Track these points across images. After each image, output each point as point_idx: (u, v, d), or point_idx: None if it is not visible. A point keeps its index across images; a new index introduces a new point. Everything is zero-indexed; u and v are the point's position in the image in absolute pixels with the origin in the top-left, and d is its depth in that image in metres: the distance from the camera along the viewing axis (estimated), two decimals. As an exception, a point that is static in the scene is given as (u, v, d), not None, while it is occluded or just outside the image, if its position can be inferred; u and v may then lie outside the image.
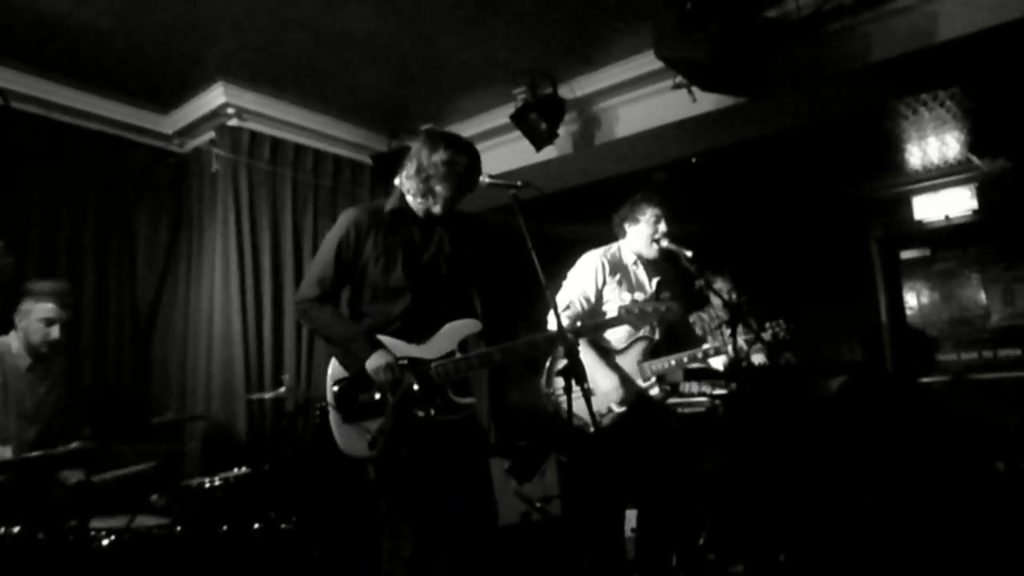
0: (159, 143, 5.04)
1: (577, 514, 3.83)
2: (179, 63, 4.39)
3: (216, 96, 4.69)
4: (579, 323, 3.35)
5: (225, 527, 3.32)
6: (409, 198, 2.81)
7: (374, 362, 2.59)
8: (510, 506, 4.59)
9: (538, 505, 4.60)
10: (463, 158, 2.76)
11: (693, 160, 5.16)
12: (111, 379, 4.54)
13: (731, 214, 6.68)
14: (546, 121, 4.57)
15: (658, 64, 4.03)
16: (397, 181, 2.86)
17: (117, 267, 4.69)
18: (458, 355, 2.69)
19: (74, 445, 3.04)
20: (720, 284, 4.58)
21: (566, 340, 2.56)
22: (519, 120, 4.65)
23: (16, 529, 2.77)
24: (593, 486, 3.39)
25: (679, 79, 4.15)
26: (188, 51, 4.26)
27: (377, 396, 2.63)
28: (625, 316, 3.02)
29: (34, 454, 3.01)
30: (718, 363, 3.88)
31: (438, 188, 2.75)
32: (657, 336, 3.49)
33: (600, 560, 3.34)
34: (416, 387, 2.62)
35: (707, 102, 4.21)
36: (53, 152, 4.44)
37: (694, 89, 4.12)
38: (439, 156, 2.74)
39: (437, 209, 2.79)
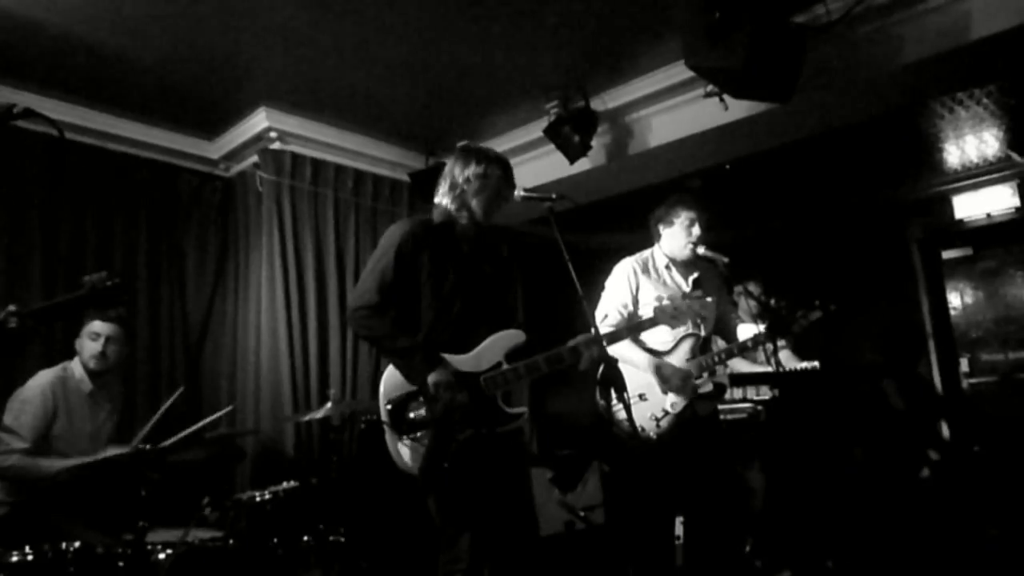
0: (206, 168, 5.22)
1: (623, 522, 3.84)
2: (223, 91, 4.56)
3: (259, 121, 4.84)
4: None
5: (276, 539, 3.40)
6: (450, 213, 2.86)
7: (435, 378, 2.57)
8: (553, 516, 4.61)
9: (582, 514, 4.62)
10: (495, 170, 2.82)
11: (727, 167, 5.16)
12: (164, 397, 4.68)
13: (767, 220, 6.65)
14: (579, 134, 4.62)
15: (689, 73, 4.06)
16: (436, 199, 2.91)
17: (168, 288, 4.86)
18: (505, 366, 2.70)
19: (131, 448, 3.17)
20: (754, 288, 4.57)
21: (601, 342, 2.61)
22: (552, 134, 4.71)
23: (76, 545, 2.87)
24: (642, 494, 3.41)
25: (710, 87, 4.17)
26: (232, 80, 4.42)
27: (431, 411, 2.62)
28: (660, 316, 3.04)
29: (93, 458, 3.17)
30: (743, 365, 3.88)
31: (473, 202, 2.82)
32: (703, 332, 3.51)
33: (648, 568, 3.36)
34: (469, 401, 2.62)
35: (739, 109, 4.22)
36: (107, 180, 4.62)
37: (726, 97, 4.14)
38: (471, 171, 2.82)
39: (475, 222, 2.84)
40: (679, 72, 4.34)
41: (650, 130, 4.80)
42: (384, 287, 2.70)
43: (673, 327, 3.24)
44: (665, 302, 3.12)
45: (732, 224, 6.40)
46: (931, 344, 6.38)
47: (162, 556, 3.02)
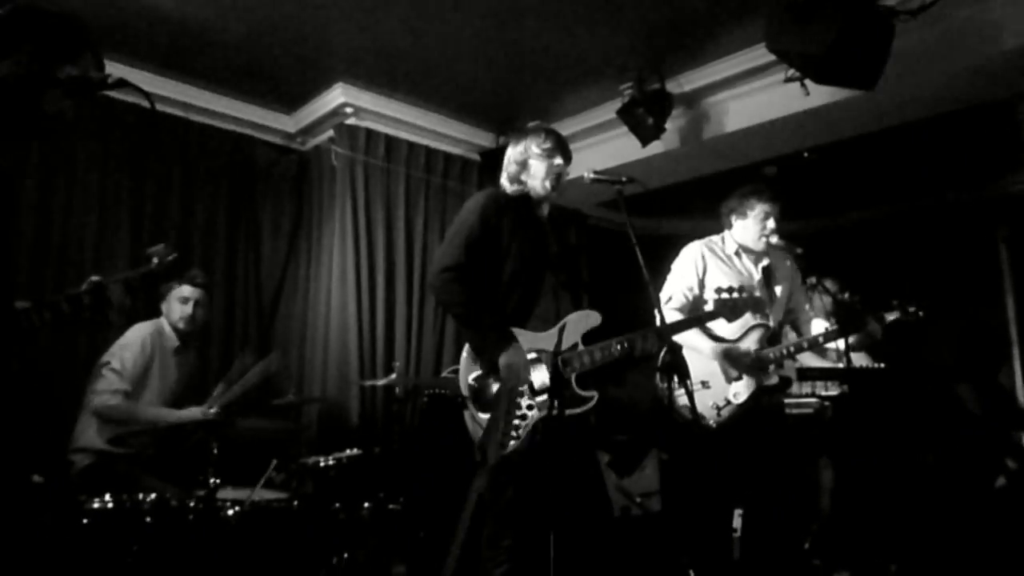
0: (283, 141, 5.34)
1: (680, 511, 3.82)
2: (302, 66, 4.65)
3: (335, 96, 4.93)
4: (685, 314, 3.35)
5: (337, 504, 3.50)
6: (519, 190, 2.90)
7: (507, 359, 2.58)
8: (610, 500, 4.62)
9: (638, 500, 4.61)
10: (544, 146, 2.86)
11: (805, 155, 5.01)
12: (237, 360, 4.85)
13: (845, 212, 6.44)
14: (653, 116, 4.56)
15: (769, 57, 3.96)
16: (500, 183, 2.96)
17: (244, 257, 5.01)
18: (581, 347, 2.70)
19: (212, 411, 3.31)
20: (828, 283, 4.44)
21: (663, 333, 2.59)
22: (626, 115, 4.65)
23: (152, 496, 3.03)
24: (700, 483, 3.38)
25: (792, 72, 4.04)
26: (310, 55, 4.51)
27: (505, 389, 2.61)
28: (720, 309, 3.01)
29: (182, 416, 3.33)
30: (812, 360, 3.79)
31: (530, 182, 2.87)
32: (772, 323, 3.44)
33: (704, 559, 3.33)
34: (544, 381, 2.63)
35: (821, 95, 4.10)
36: (189, 150, 4.78)
37: (807, 82, 4.01)
38: (521, 150, 2.89)
39: (535, 195, 2.88)
40: (759, 55, 4.24)
41: (726, 114, 4.70)
42: (471, 245, 2.70)
43: (730, 321, 3.18)
44: (725, 295, 3.06)
45: (807, 215, 6.23)
46: (1015, 351, 6.09)
47: (230, 512, 3.15)
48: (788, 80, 4.14)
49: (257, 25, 4.16)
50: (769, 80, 4.41)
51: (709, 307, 3.20)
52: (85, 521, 2.87)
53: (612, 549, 2.76)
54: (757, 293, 3.15)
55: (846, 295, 4.42)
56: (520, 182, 2.89)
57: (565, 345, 2.66)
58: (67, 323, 1.82)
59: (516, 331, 2.67)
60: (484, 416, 2.62)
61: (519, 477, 2.63)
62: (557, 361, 2.61)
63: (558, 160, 2.88)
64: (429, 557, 3.67)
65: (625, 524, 4.57)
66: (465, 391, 2.67)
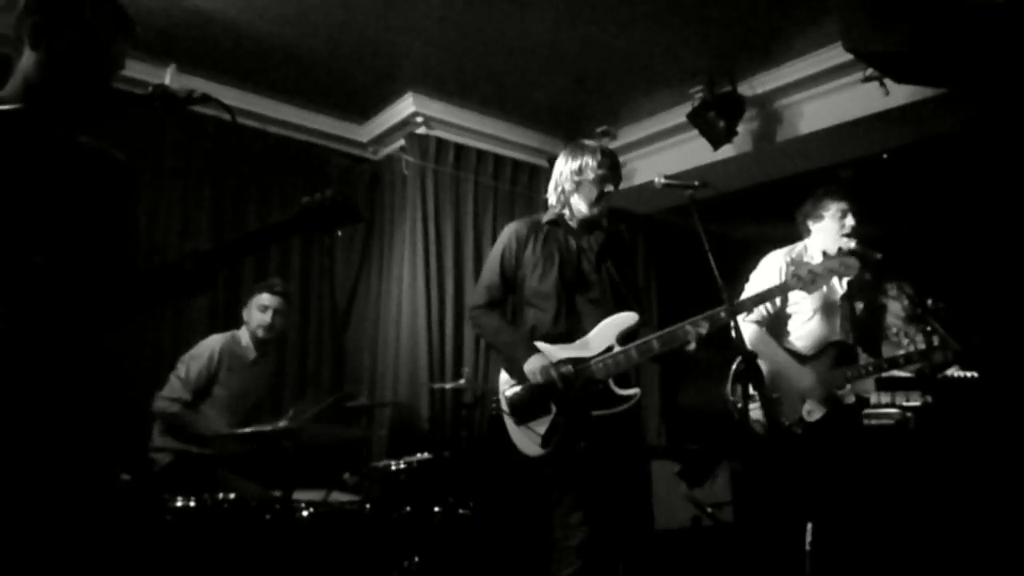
0: (356, 151, 5.46)
1: (752, 523, 3.73)
2: (374, 77, 4.75)
3: (406, 106, 5.01)
4: (763, 327, 3.27)
5: (408, 508, 3.55)
6: (559, 209, 2.97)
7: (531, 365, 2.71)
8: (680, 509, 4.55)
9: (709, 510, 4.53)
10: (591, 162, 2.87)
11: (884, 156, 4.85)
12: (311, 368, 4.99)
13: (926, 216, 6.19)
14: (724, 119, 4.49)
15: (846, 57, 3.85)
16: (548, 197, 3.02)
17: (319, 265, 5.14)
18: (616, 348, 2.73)
19: (283, 423, 3.39)
20: (908, 289, 4.27)
21: (726, 319, 2.54)
22: (696, 119, 4.60)
23: (232, 496, 3.14)
24: (773, 497, 3.29)
25: (870, 71, 3.93)
26: (383, 66, 4.60)
27: (543, 399, 2.73)
28: (793, 283, 2.87)
29: (248, 429, 3.40)
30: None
31: (573, 199, 2.91)
32: (850, 340, 3.33)
33: (774, 572, 3.25)
34: (578, 385, 2.69)
35: (901, 94, 3.96)
36: (266, 161, 4.93)
37: (887, 81, 3.89)
38: (568, 167, 2.92)
39: (580, 216, 2.92)
40: (835, 56, 4.13)
41: (801, 116, 4.59)
42: (491, 288, 2.93)
43: (810, 292, 3.04)
44: (800, 266, 2.94)
45: (886, 219, 6.01)
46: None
47: (305, 514, 3.23)
48: (866, 80, 4.03)
49: (331, 38, 4.27)
50: (846, 80, 4.29)
51: (801, 317, 3.12)
52: (168, 519, 2.99)
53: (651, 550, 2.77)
54: (849, 272, 2.97)
55: (929, 302, 4.26)
56: (567, 204, 2.94)
57: (599, 349, 2.74)
58: (169, 291, 1.87)
59: (545, 347, 2.78)
60: (520, 429, 2.76)
61: (567, 478, 2.71)
62: (590, 366, 2.70)
63: (609, 187, 2.89)
64: (498, 559, 3.68)
65: (695, 534, 4.50)
66: (504, 405, 2.82)
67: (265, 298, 3.89)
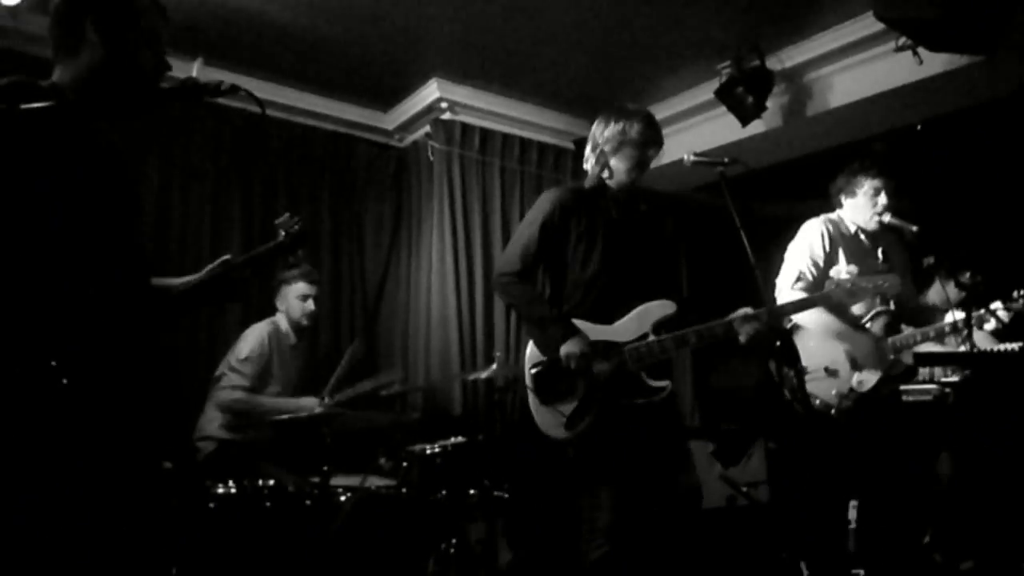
0: (381, 139, 5.47)
1: (789, 501, 3.70)
2: (398, 64, 4.75)
3: (431, 92, 5.00)
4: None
5: (444, 491, 3.58)
6: (601, 177, 2.85)
7: (568, 348, 2.61)
8: (715, 489, 4.53)
9: (744, 490, 4.50)
10: (633, 125, 2.77)
11: (918, 127, 4.75)
12: (343, 353, 5.02)
13: (963, 188, 6.05)
14: (753, 95, 4.42)
15: (877, 27, 3.78)
16: (584, 165, 2.93)
17: (348, 252, 5.18)
18: (651, 338, 2.67)
19: (318, 409, 3.44)
20: (949, 264, 4.18)
21: (767, 319, 2.52)
22: (724, 95, 4.53)
23: (271, 483, 3.20)
24: (812, 474, 3.27)
25: (902, 40, 3.84)
26: (406, 52, 4.60)
27: (571, 381, 2.65)
28: (835, 294, 2.85)
29: (299, 408, 3.51)
30: (928, 344, 3.58)
31: (613, 161, 2.80)
32: (894, 308, 3.27)
33: (817, 551, 3.22)
34: (610, 373, 2.63)
35: (935, 63, 3.87)
36: (293, 151, 4.97)
37: (920, 50, 3.80)
38: (609, 130, 2.80)
39: (618, 183, 2.82)
40: (866, 26, 4.05)
41: (831, 89, 4.51)
42: (527, 256, 2.78)
43: (850, 305, 3.03)
44: (843, 276, 2.91)
45: (921, 192, 5.89)
46: None
47: (343, 499, 3.28)
48: (899, 49, 3.94)
49: (355, 26, 4.27)
50: (877, 51, 4.20)
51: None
52: (211, 505, 3.05)
53: (693, 537, 2.74)
54: (892, 290, 2.94)
55: (967, 275, 4.17)
56: (607, 167, 2.82)
57: (634, 335, 2.67)
58: (201, 301, 1.93)
59: (580, 323, 2.68)
60: (544, 408, 2.68)
61: (594, 463, 2.66)
62: (623, 353, 2.64)
63: (652, 152, 2.82)
64: (534, 542, 3.70)
65: (731, 514, 4.48)
66: (528, 382, 2.72)
67: (304, 287, 4.00)
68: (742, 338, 2.62)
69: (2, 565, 1.42)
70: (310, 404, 3.64)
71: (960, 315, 3.34)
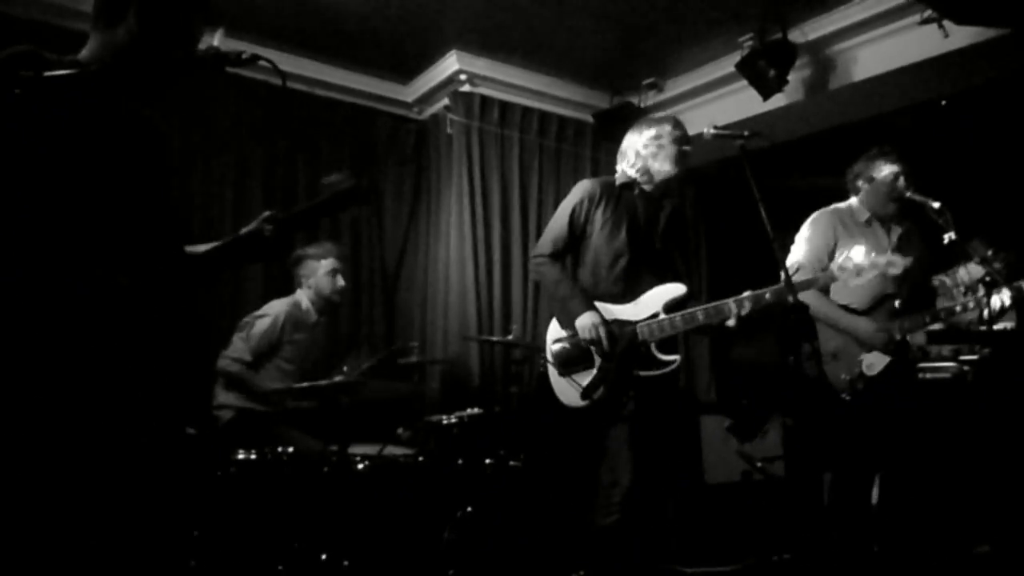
0: (401, 111, 5.47)
1: (805, 477, 3.73)
2: (418, 36, 4.73)
3: (450, 64, 4.99)
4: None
5: (460, 460, 3.64)
6: (633, 173, 3.08)
7: (584, 320, 2.86)
8: (731, 464, 4.56)
9: (759, 465, 4.53)
10: (666, 128, 3.02)
11: (943, 103, 4.67)
12: (364, 327, 5.09)
13: (988, 164, 5.96)
14: (775, 68, 4.37)
15: (902, -1, 3.71)
16: (618, 170, 3.13)
17: (368, 225, 5.20)
18: (662, 316, 2.87)
19: (338, 378, 3.49)
20: (976, 242, 4.14)
21: (770, 300, 2.59)
22: (746, 68, 4.48)
23: (291, 450, 3.26)
24: (828, 451, 3.31)
25: (928, 13, 3.78)
26: (426, 24, 4.58)
27: (588, 354, 2.90)
28: (840, 274, 2.88)
29: (304, 384, 3.54)
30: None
31: (655, 165, 3.03)
32: (904, 294, 3.27)
33: (836, 526, 3.24)
34: (622, 345, 2.85)
35: (961, 36, 3.80)
36: (314, 123, 4.98)
37: (946, 23, 3.73)
38: (645, 137, 3.04)
39: (662, 184, 3.05)
40: (892, -3, 3.98)
41: (855, 62, 4.45)
42: (557, 241, 3.07)
43: (854, 285, 3.02)
44: (844, 259, 2.93)
45: (945, 168, 5.81)
46: None
47: (361, 467, 3.34)
48: (924, 22, 3.88)
49: (375, -1, 4.26)
50: (902, 23, 4.13)
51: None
52: (232, 471, 3.12)
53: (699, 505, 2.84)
54: (895, 269, 2.93)
55: (989, 253, 4.13)
56: (647, 172, 3.03)
57: (646, 314, 2.91)
58: (239, 257, 1.96)
59: (600, 304, 2.93)
60: (563, 379, 2.95)
61: (608, 432, 2.87)
62: (635, 328, 2.88)
63: (687, 147, 3.05)
64: (550, 511, 3.76)
65: (746, 488, 4.51)
66: (548, 354, 3.00)
67: (332, 262, 4.03)
68: (732, 320, 2.79)
69: (30, 520, 1.47)
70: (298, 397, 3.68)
71: (970, 296, 3.34)
